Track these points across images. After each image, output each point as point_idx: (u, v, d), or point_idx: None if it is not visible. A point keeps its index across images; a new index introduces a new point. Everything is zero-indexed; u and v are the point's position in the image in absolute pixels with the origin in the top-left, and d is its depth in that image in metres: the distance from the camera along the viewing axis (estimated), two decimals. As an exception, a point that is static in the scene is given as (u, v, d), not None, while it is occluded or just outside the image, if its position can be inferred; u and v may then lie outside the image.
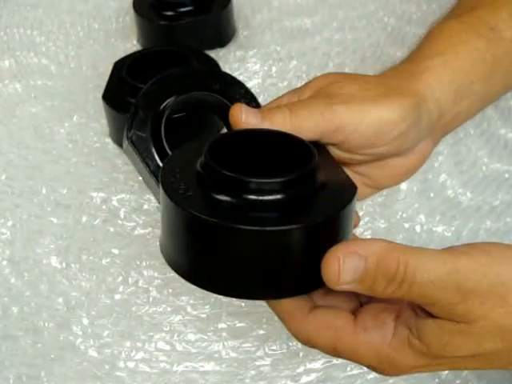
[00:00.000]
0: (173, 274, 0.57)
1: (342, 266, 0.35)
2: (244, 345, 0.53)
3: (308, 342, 0.40)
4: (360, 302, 0.41)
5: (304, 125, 0.43)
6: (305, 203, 0.37)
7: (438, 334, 0.37)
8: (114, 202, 0.62)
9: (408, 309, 0.38)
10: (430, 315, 0.37)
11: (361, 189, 0.48)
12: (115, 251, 0.59)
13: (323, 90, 0.46)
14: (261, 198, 0.36)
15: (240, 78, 0.63)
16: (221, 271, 0.38)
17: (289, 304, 0.40)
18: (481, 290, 0.35)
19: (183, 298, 0.56)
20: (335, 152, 0.46)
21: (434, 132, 0.49)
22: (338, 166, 0.43)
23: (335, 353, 0.39)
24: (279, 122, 0.43)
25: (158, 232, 0.59)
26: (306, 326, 0.39)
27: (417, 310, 0.38)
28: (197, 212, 0.36)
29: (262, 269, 0.37)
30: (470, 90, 0.49)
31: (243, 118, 0.43)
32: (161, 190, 0.39)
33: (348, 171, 0.46)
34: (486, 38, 0.50)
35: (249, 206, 0.36)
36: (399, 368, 0.39)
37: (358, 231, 0.59)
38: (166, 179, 0.39)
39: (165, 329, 0.55)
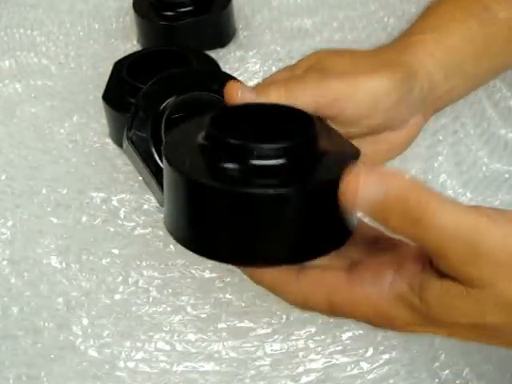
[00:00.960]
0: (173, 274, 0.57)
1: (361, 185, 0.33)
2: (244, 345, 0.53)
3: (305, 305, 0.39)
4: (352, 260, 0.39)
5: (299, 99, 0.43)
6: (308, 167, 0.37)
7: (441, 295, 0.35)
8: (114, 202, 0.62)
9: (413, 263, 0.36)
10: (437, 274, 0.35)
11: None
12: (115, 251, 0.59)
13: (316, 65, 0.47)
14: (265, 163, 0.36)
15: (240, 78, 0.63)
16: (227, 237, 0.37)
17: (275, 271, 0.39)
18: (496, 257, 0.34)
19: (183, 297, 0.56)
20: (342, 127, 0.46)
21: (425, 106, 0.49)
22: (338, 134, 0.43)
23: (331, 310, 0.38)
24: (274, 98, 0.43)
25: (158, 232, 0.60)
26: (300, 288, 0.38)
27: (425, 266, 0.36)
28: (202, 179, 0.36)
29: (267, 233, 0.36)
30: (460, 67, 0.50)
31: (239, 94, 0.43)
32: (164, 163, 0.38)
33: None
34: (480, 17, 0.51)
35: (253, 172, 0.36)
36: (394, 324, 0.38)
37: (357, 231, 0.59)
38: (169, 152, 0.39)
39: (165, 329, 0.55)
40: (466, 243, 0.33)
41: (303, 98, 0.43)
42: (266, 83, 0.45)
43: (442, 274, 0.35)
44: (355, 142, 0.47)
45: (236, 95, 0.43)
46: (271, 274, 0.39)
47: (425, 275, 0.36)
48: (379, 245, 0.40)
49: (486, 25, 0.51)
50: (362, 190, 0.33)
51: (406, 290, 0.36)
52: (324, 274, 0.38)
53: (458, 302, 0.35)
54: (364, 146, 0.47)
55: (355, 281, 0.37)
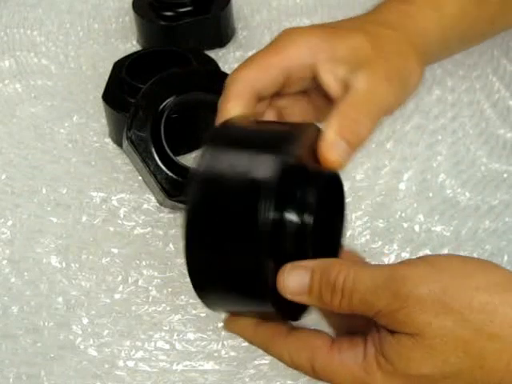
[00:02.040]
0: (172, 274, 0.57)
1: (286, 278, 0.38)
2: (243, 344, 0.53)
3: (291, 364, 0.40)
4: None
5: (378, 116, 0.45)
6: None
7: (397, 348, 0.36)
8: (114, 202, 0.63)
9: (372, 326, 0.38)
10: (389, 331, 0.37)
11: None
12: (115, 251, 0.59)
13: (370, 67, 0.46)
14: None
15: (239, 78, 0.63)
16: None
17: (268, 331, 0.40)
18: (418, 296, 0.35)
19: (183, 297, 0.56)
20: None
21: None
22: None
23: (314, 373, 0.39)
24: (365, 135, 0.44)
25: (158, 232, 0.60)
26: (287, 347, 0.40)
27: (378, 327, 0.38)
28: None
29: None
30: (446, 42, 0.52)
31: (340, 160, 0.42)
32: None
33: None
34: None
35: None
36: None
37: (357, 231, 0.60)
38: None
39: (164, 328, 0.55)
40: (388, 294, 0.36)
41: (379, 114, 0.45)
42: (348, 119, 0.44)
43: (392, 331, 0.37)
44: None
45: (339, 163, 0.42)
46: (265, 333, 0.40)
47: (381, 334, 0.37)
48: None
49: (480, 3, 0.53)
50: (288, 281, 0.38)
51: (374, 352, 0.38)
52: (309, 337, 0.39)
53: (414, 352, 0.36)
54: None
55: (334, 348, 0.39)
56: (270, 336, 0.40)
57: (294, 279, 0.38)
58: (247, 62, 0.46)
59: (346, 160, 0.42)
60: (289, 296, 0.38)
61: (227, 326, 0.42)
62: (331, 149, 0.42)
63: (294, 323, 0.41)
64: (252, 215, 0.35)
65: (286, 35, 0.47)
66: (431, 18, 0.50)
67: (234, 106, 0.45)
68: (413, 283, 0.35)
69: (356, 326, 0.40)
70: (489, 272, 0.37)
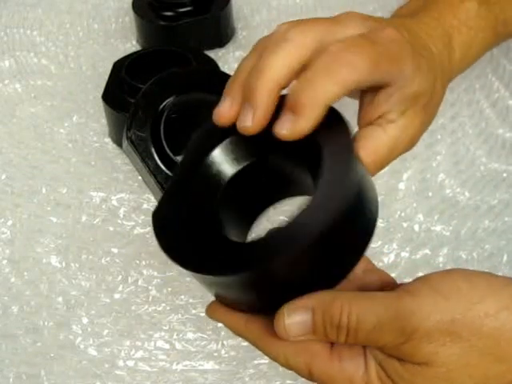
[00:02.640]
0: (172, 273, 0.57)
1: (287, 322, 0.37)
2: (243, 343, 0.53)
3: (286, 364, 0.39)
4: None
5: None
6: None
7: (401, 372, 0.36)
8: (114, 202, 0.63)
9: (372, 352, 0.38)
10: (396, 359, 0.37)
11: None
12: (115, 250, 0.59)
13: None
14: None
15: (239, 78, 0.63)
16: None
17: (262, 329, 0.39)
18: (425, 329, 0.35)
19: (182, 297, 0.56)
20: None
21: (443, 74, 0.49)
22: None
23: (310, 376, 0.39)
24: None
25: (158, 231, 0.60)
26: (284, 349, 0.39)
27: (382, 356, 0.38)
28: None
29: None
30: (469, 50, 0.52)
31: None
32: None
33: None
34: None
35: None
36: None
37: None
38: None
39: (164, 328, 0.55)
40: (394, 331, 0.35)
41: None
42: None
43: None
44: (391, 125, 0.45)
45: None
46: (259, 330, 0.39)
47: (386, 358, 0.37)
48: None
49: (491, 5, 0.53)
50: (289, 325, 0.37)
51: (374, 365, 0.37)
52: (308, 342, 0.39)
53: (417, 379, 0.36)
54: (393, 130, 0.46)
55: (334, 355, 0.38)
56: (263, 333, 0.39)
57: (295, 322, 0.37)
58: (270, 55, 0.42)
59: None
60: (292, 339, 0.37)
61: (210, 312, 0.41)
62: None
63: None
64: None
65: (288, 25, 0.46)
66: (455, 26, 0.50)
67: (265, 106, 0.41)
68: (419, 317, 0.35)
69: None
70: (498, 294, 0.36)
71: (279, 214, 0.55)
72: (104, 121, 0.68)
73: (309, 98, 0.39)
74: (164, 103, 0.59)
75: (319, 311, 0.37)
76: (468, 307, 0.35)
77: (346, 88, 0.40)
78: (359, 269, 0.41)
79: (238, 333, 0.41)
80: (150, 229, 0.60)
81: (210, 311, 0.41)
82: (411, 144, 0.46)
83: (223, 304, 0.40)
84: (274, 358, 0.40)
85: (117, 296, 0.57)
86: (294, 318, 0.37)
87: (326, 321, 0.36)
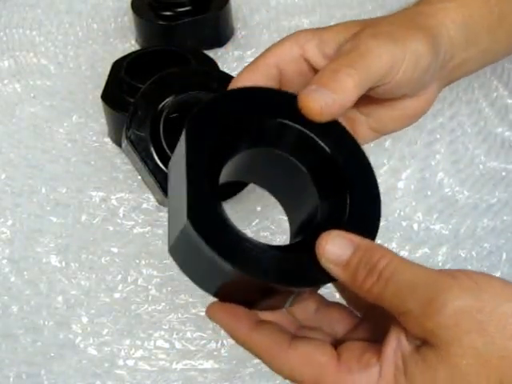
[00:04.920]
0: (172, 273, 0.57)
1: (329, 243, 0.37)
2: (243, 342, 0.53)
3: (291, 377, 0.39)
4: (337, 335, 0.41)
5: (370, 76, 0.43)
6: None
7: (422, 367, 0.35)
8: (113, 201, 0.63)
9: (392, 341, 0.37)
10: (413, 346, 0.36)
11: (365, 132, 0.49)
12: (114, 250, 0.59)
13: (358, 33, 0.45)
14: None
15: (238, 77, 0.63)
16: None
17: (266, 340, 0.39)
18: (455, 307, 0.34)
19: (182, 296, 0.56)
20: (373, 94, 0.45)
21: (442, 74, 0.49)
22: None
23: None
24: (352, 86, 0.41)
25: (157, 231, 0.60)
26: (289, 361, 0.38)
27: (400, 340, 0.37)
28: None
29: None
30: (476, 38, 0.50)
31: (321, 105, 0.40)
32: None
33: (356, 112, 0.46)
34: None
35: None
36: None
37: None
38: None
39: (164, 327, 0.55)
40: (425, 297, 0.35)
41: (372, 73, 0.43)
42: (332, 72, 0.42)
43: (417, 345, 0.36)
44: (371, 108, 0.47)
45: (320, 109, 0.41)
46: (262, 342, 0.39)
47: (404, 350, 0.36)
48: (361, 326, 0.41)
49: (502, 1, 0.51)
50: (329, 252, 0.37)
51: (393, 371, 0.36)
52: (314, 352, 0.38)
53: (437, 372, 0.35)
54: (380, 112, 0.48)
55: (343, 366, 0.37)
56: (268, 346, 0.38)
57: (336, 247, 0.37)
58: (242, 71, 0.47)
59: (329, 107, 0.40)
60: (323, 261, 0.37)
61: (210, 312, 0.40)
62: (309, 95, 0.41)
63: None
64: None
65: (280, 39, 0.48)
66: (446, 8, 0.49)
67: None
68: (453, 294, 0.34)
69: (375, 322, 0.39)
70: None
71: (280, 214, 0.56)
72: (103, 120, 0.68)
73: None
74: (163, 103, 0.59)
75: (362, 248, 0.37)
76: (499, 302, 0.35)
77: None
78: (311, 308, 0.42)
79: (239, 343, 0.40)
80: (149, 228, 0.61)
81: (211, 312, 0.40)
82: None
83: (226, 299, 0.39)
84: (277, 370, 0.39)
85: (116, 295, 0.57)
86: (337, 243, 0.37)
87: (364, 258, 0.36)
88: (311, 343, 0.38)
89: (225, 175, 0.40)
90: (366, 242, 0.37)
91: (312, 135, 0.40)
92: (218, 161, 0.39)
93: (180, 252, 0.38)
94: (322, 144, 0.40)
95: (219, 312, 0.39)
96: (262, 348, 0.39)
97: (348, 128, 0.43)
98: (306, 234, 0.39)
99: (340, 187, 0.40)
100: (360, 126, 0.49)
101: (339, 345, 0.39)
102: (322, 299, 0.42)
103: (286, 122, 0.40)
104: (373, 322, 0.40)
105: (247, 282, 0.37)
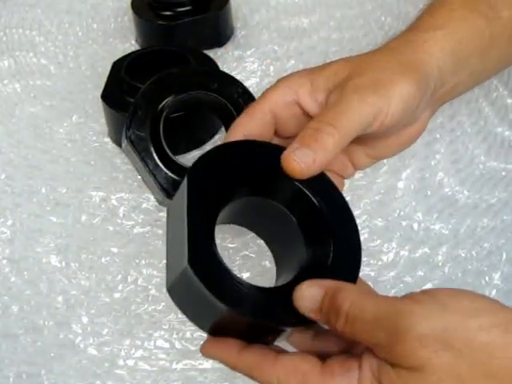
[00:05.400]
0: (172, 273, 0.57)
1: (303, 292, 0.40)
2: (243, 342, 0.53)
3: None
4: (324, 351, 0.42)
5: (351, 132, 0.45)
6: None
7: (395, 381, 0.36)
8: (113, 201, 0.63)
9: (369, 352, 0.38)
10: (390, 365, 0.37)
11: (362, 159, 0.51)
12: (114, 250, 0.59)
13: (344, 83, 0.47)
14: None
15: (238, 77, 0.63)
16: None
17: (254, 357, 0.41)
18: (419, 332, 0.35)
19: (182, 296, 0.56)
20: (366, 136, 0.47)
21: (433, 101, 0.50)
22: None
23: None
24: (332, 145, 0.44)
25: (157, 231, 0.60)
26: (276, 372, 0.40)
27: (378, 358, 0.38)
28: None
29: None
30: (467, 63, 0.51)
31: (301, 165, 0.43)
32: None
33: (352, 144, 0.47)
34: (485, 15, 0.51)
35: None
36: None
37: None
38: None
39: (164, 327, 0.55)
40: (389, 327, 0.36)
41: (353, 128, 0.45)
42: (312, 132, 0.44)
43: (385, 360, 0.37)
44: (369, 140, 0.49)
45: (299, 168, 0.43)
46: (251, 359, 0.41)
47: (380, 362, 0.38)
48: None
49: (492, 22, 0.52)
50: (303, 296, 0.40)
51: (370, 377, 0.38)
52: (298, 361, 0.40)
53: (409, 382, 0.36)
54: (376, 143, 0.49)
55: (326, 372, 0.39)
56: (256, 362, 0.40)
57: (308, 297, 0.40)
58: (241, 116, 0.49)
59: (310, 167, 0.43)
60: (302, 310, 0.40)
61: (204, 350, 0.42)
62: (290, 156, 0.43)
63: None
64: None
65: (274, 83, 0.50)
66: (434, 36, 0.50)
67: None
68: (415, 319, 0.36)
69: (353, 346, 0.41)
70: (494, 312, 0.36)
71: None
72: (103, 120, 0.68)
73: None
74: (163, 103, 0.59)
75: (329, 294, 0.39)
76: (463, 319, 0.36)
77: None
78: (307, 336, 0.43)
79: (231, 366, 0.42)
80: (149, 228, 0.61)
81: (205, 350, 0.42)
82: None
83: (218, 335, 0.42)
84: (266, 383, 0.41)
85: (116, 295, 0.57)
86: (310, 291, 0.40)
87: (331, 304, 0.39)
88: (296, 354, 0.41)
89: (219, 219, 0.43)
90: (332, 285, 0.40)
91: (303, 188, 0.44)
92: (216, 208, 0.42)
93: (178, 292, 0.42)
94: (312, 197, 0.44)
95: (212, 348, 0.42)
96: (251, 365, 0.41)
97: (344, 160, 0.49)
98: (292, 277, 0.43)
99: (325, 236, 0.43)
100: (357, 154, 0.51)
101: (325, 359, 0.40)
102: (319, 327, 0.43)
103: (279, 175, 0.44)
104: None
105: (240, 321, 0.40)
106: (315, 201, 0.44)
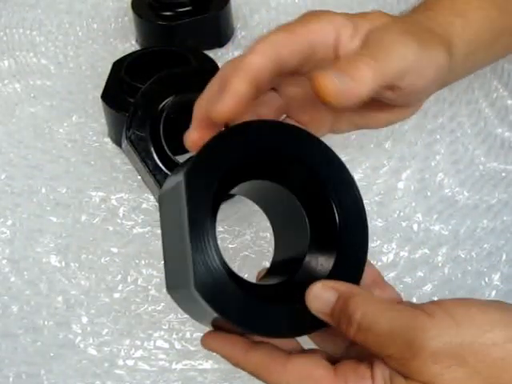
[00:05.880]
0: (171, 273, 0.57)
1: (316, 294, 0.39)
2: (242, 343, 0.53)
3: None
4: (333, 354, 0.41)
5: (390, 72, 0.42)
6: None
7: None
8: (113, 201, 0.63)
9: (381, 361, 0.38)
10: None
11: (343, 123, 0.49)
12: (114, 250, 0.59)
13: (386, 27, 0.45)
14: None
15: (238, 77, 0.63)
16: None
17: (263, 357, 0.39)
18: (433, 349, 0.35)
19: (182, 296, 0.56)
20: (390, 96, 0.45)
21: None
22: None
23: None
24: (371, 77, 0.41)
25: (157, 231, 0.60)
26: (286, 376, 0.39)
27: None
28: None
29: None
30: (474, 55, 0.50)
31: (337, 89, 0.40)
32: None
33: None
34: (499, 7, 0.51)
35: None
36: None
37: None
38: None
39: (164, 327, 0.55)
40: (402, 343, 0.36)
41: (392, 67, 0.42)
42: (350, 60, 0.42)
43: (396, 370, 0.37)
44: (363, 110, 0.46)
45: (335, 92, 0.40)
46: (259, 359, 0.39)
47: (393, 374, 0.37)
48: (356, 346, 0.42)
49: (502, 15, 0.51)
50: (315, 304, 0.39)
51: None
52: (310, 366, 0.39)
53: None
54: (369, 114, 0.48)
55: (340, 378, 0.38)
56: (264, 362, 0.39)
57: (321, 298, 0.39)
58: (275, 30, 0.44)
59: (344, 93, 0.40)
60: (314, 311, 0.39)
61: (205, 342, 0.41)
62: (326, 76, 0.40)
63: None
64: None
65: (311, 13, 0.46)
66: (454, 23, 0.49)
67: (256, 60, 0.41)
68: (429, 336, 0.35)
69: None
70: (507, 325, 0.36)
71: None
72: (103, 120, 0.68)
73: None
74: (163, 103, 0.59)
75: (342, 298, 0.38)
76: (478, 334, 0.36)
77: None
78: (368, 279, 0.42)
79: (236, 363, 0.40)
80: (149, 228, 0.61)
81: (206, 342, 0.41)
82: None
83: (223, 330, 0.41)
84: None
85: (116, 295, 0.57)
86: (323, 293, 0.39)
87: (343, 310, 0.38)
88: (308, 358, 0.39)
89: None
90: (346, 289, 0.38)
91: (319, 180, 0.41)
92: (217, 199, 0.40)
93: (180, 299, 0.41)
94: (327, 195, 0.42)
95: (214, 341, 0.41)
96: (259, 365, 0.39)
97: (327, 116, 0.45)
98: (293, 274, 0.42)
99: (332, 233, 0.41)
100: (341, 117, 0.48)
101: (335, 362, 0.39)
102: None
103: (297, 161, 0.41)
104: None
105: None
106: (331, 200, 0.42)
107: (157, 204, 0.61)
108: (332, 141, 0.45)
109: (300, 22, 0.45)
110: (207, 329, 0.55)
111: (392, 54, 0.42)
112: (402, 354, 0.36)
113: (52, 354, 0.54)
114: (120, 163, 0.66)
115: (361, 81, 0.41)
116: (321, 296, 0.39)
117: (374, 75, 0.41)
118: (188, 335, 0.55)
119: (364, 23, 0.45)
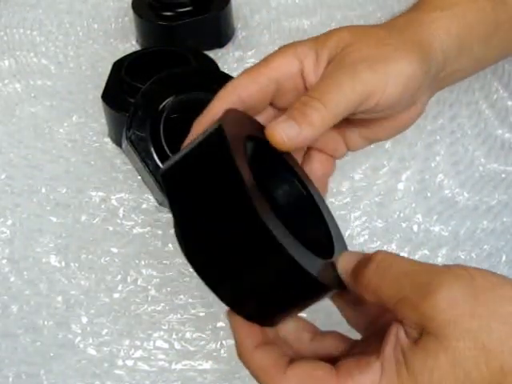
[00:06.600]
0: (171, 273, 0.57)
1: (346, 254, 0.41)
2: (242, 343, 0.53)
3: None
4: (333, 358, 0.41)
5: (340, 109, 0.43)
6: None
7: (421, 356, 0.35)
8: (113, 201, 0.63)
9: (390, 339, 0.37)
10: (413, 341, 0.36)
11: (356, 140, 0.49)
12: (114, 250, 0.59)
13: (341, 56, 0.45)
14: None
15: (238, 78, 0.63)
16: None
17: (265, 361, 0.39)
18: (449, 293, 0.35)
19: (181, 296, 0.56)
20: (361, 116, 0.46)
21: (432, 85, 0.49)
22: None
23: None
24: (318, 122, 0.42)
25: (157, 231, 0.60)
26: (288, 382, 0.38)
27: (398, 336, 0.37)
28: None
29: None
30: (470, 48, 0.50)
31: (284, 137, 0.42)
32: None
33: (348, 125, 0.47)
34: (492, 1, 0.51)
35: None
36: None
37: (355, 231, 0.60)
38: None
39: (163, 327, 0.55)
40: (420, 281, 0.36)
41: (343, 106, 0.43)
42: (300, 105, 0.43)
43: (415, 338, 0.36)
44: (364, 123, 0.48)
45: (282, 140, 0.42)
46: (262, 362, 0.39)
47: (403, 344, 0.36)
48: (356, 347, 0.41)
49: (498, 8, 0.51)
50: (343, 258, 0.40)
51: (394, 364, 0.37)
52: (312, 369, 0.38)
53: (437, 361, 0.35)
54: (372, 125, 0.48)
55: (344, 374, 0.38)
56: (268, 367, 0.39)
57: (347, 257, 0.40)
58: (240, 74, 0.47)
59: (292, 140, 0.42)
60: (339, 268, 0.40)
61: (230, 313, 0.40)
62: (276, 125, 0.42)
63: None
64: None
65: (280, 48, 0.48)
66: (440, 18, 0.48)
67: (217, 106, 0.45)
68: (448, 280, 0.35)
69: (374, 339, 0.39)
70: None
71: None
72: (103, 121, 0.68)
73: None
74: (164, 103, 0.59)
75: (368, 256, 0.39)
76: (491, 289, 0.36)
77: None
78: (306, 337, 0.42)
79: (242, 356, 0.40)
80: (149, 228, 0.61)
81: (231, 313, 0.41)
82: None
83: (242, 308, 0.40)
84: None
85: (116, 295, 0.57)
86: (352, 253, 0.41)
87: (366, 257, 0.38)
88: (308, 362, 0.39)
89: None
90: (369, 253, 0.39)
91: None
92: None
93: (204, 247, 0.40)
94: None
95: (237, 318, 0.40)
96: (260, 368, 0.39)
97: (337, 139, 0.48)
98: None
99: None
100: (351, 134, 0.49)
101: (335, 363, 0.39)
102: (316, 329, 0.42)
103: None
104: (372, 338, 0.40)
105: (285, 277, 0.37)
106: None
107: (157, 204, 0.61)
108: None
109: (265, 61, 0.47)
110: (207, 329, 0.55)
111: (339, 89, 0.43)
112: (417, 294, 0.35)
113: (52, 354, 0.54)
114: (120, 163, 0.66)
115: (309, 126, 0.42)
116: (347, 255, 0.40)
117: (321, 119, 0.42)
118: (188, 335, 0.55)
119: (324, 51, 0.46)
